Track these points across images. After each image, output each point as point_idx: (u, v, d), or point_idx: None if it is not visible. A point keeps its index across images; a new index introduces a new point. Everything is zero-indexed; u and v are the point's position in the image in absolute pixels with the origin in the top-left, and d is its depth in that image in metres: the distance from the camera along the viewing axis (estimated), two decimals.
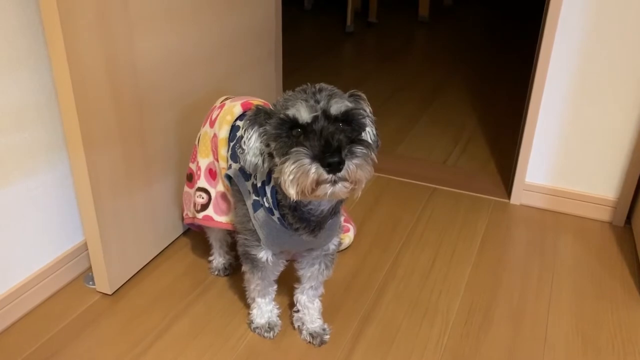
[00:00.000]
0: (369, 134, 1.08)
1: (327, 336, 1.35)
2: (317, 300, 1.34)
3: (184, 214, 1.50)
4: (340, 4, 4.12)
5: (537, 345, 1.36)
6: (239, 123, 1.28)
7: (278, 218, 1.14)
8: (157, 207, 1.57)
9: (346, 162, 0.95)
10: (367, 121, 1.06)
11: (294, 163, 0.95)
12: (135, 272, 1.55)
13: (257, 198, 1.16)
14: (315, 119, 0.98)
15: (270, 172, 1.10)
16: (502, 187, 2.02)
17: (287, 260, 1.32)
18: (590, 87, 1.71)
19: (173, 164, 1.60)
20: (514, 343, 1.36)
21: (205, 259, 1.60)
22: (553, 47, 1.70)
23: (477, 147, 2.31)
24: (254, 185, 1.16)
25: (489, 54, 3.48)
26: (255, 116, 1.06)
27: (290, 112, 0.99)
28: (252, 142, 1.06)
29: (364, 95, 1.07)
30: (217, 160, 1.33)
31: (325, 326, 1.36)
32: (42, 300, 1.45)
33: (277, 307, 1.37)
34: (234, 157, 1.27)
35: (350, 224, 1.68)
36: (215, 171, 1.36)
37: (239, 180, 1.20)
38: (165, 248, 1.65)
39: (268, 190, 1.13)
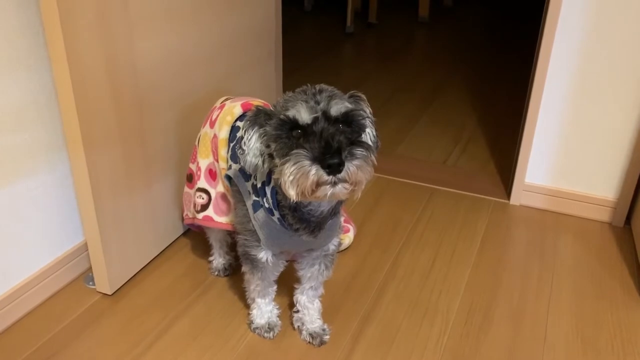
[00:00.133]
0: (368, 134, 1.08)
1: (327, 336, 1.35)
2: (317, 300, 1.34)
3: (184, 215, 1.50)
4: (340, 5, 4.12)
5: (536, 345, 1.36)
6: (239, 124, 1.28)
7: (278, 218, 1.14)
8: (157, 207, 1.58)
9: (346, 164, 0.95)
10: (367, 122, 1.06)
11: (294, 164, 0.95)
12: (135, 272, 1.55)
13: (257, 198, 1.16)
14: (315, 120, 0.98)
15: (270, 173, 1.10)
16: (501, 187, 2.02)
17: (287, 261, 1.32)
18: (590, 87, 1.71)
19: (173, 164, 1.60)
20: (514, 343, 1.36)
21: (205, 260, 1.60)
22: (553, 47, 1.70)
23: (477, 148, 2.31)
24: (254, 186, 1.16)
25: (489, 54, 3.48)
26: (256, 117, 1.06)
27: (291, 113, 0.99)
28: (252, 143, 1.06)
29: (363, 96, 1.07)
30: (217, 161, 1.33)
31: (325, 326, 1.36)
32: (43, 301, 1.45)
33: (277, 307, 1.38)
34: (234, 157, 1.27)
35: (350, 225, 1.68)
36: (215, 172, 1.36)
37: (239, 180, 1.20)
38: (165, 248, 1.65)
39: (268, 190, 1.14)
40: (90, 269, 1.49)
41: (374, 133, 1.09)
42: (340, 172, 0.95)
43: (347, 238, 1.65)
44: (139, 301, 1.47)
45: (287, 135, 1.00)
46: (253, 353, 1.32)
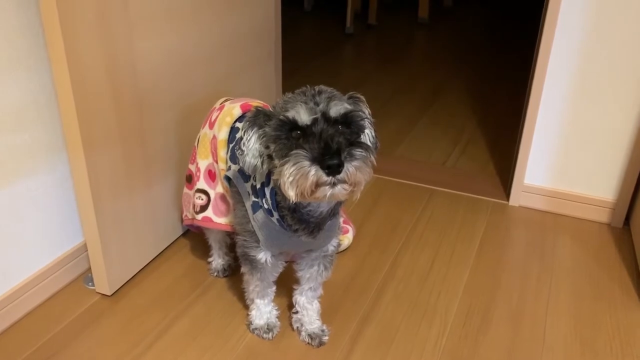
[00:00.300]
0: (368, 135, 1.08)
1: (326, 337, 1.35)
2: (316, 301, 1.34)
3: (183, 215, 1.50)
4: (340, 5, 4.12)
5: (535, 346, 1.36)
6: (238, 125, 1.28)
7: (277, 219, 1.15)
8: (156, 208, 1.58)
9: (345, 165, 0.95)
10: (366, 123, 1.06)
11: (293, 165, 0.96)
12: (135, 273, 1.55)
13: (256, 199, 1.16)
14: (314, 121, 0.98)
15: (269, 174, 1.10)
16: (501, 188, 2.02)
17: (286, 262, 1.33)
18: (590, 87, 1.71)
19: (173, 165, 1.60)
20: (513, 344, 1.36)
21: (204, 260, 1.60)
22: (552, 47, 1.70)
23: (477, 149, 2.32)
24: (253, 187, 1.17)
25: (489, 55, 3.48)
26: (255, 118, 1.06)
27: (290, 114, 0.99)
28: (252, 144, 1.06)
29: (363, 97, 1.08)
30: (217, 162, 1.33)
31: (324, 327, 1.36)
32: (42, 301, 1.45)
33: (276, 308, 1.38)
34: (233, 158, 1.27)
35: (350, 225, 1.68)
36: (215, 172, 1.36)
37: (238, 181, 1.20)
38: (165, 249, 1.66)
39: (267, 191, 1.14)
40: (89, 269, 1.49)
41: (373, 134, 1.10)
42: (339, 172, 0.95)
43: (346, 239, 1.65)
44: (139, 301, 1.47)
45: (286, 136, 1.00)
46: (252, 353, 1.32)
